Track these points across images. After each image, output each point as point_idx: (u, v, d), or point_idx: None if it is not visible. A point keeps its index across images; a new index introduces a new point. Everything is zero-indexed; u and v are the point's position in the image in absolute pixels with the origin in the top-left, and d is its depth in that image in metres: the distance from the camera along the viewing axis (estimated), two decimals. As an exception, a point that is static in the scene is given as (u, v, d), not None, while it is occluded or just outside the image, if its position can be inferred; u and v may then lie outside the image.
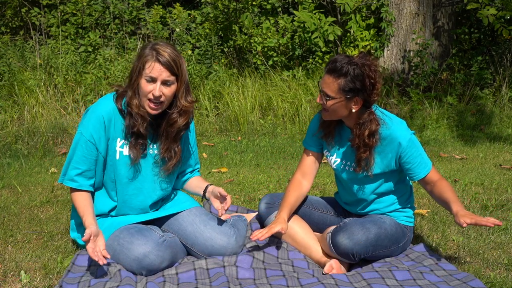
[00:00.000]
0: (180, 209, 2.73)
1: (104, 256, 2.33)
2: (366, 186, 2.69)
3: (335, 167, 2.75)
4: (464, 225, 2.39)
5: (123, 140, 2.57)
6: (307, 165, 2.81)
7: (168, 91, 2.49)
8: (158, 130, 2.61)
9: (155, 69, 2.44)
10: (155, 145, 2.64)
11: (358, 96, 2.51)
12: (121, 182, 2.61)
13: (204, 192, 2.77)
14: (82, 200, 2.54)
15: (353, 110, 2.55)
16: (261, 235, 2.56)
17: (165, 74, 2.45)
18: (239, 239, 2.66)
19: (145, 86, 2.46)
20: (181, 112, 2.57)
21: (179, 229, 2.68)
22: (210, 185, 2.78)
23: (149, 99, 2.47)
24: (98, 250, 2.35)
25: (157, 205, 2.75)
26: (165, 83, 2.47)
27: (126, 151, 2.58)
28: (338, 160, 2.73)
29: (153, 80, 2.45)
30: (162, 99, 2.48)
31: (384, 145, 2.59)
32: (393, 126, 2.59)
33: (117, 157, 2.58)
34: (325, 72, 2.55)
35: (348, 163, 2.70)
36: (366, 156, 2.58)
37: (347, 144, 2.68)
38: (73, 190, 2.57)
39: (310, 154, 2.81)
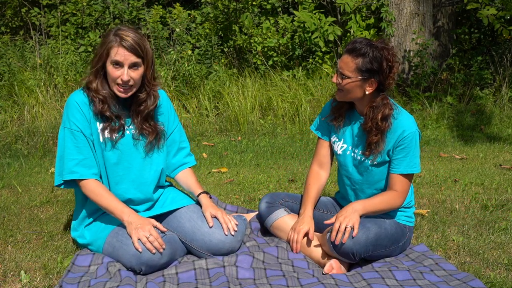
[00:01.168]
0: (178, 206, 2.75)
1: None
2: (367, 176, 2.70)
3: (341, 153, 2.76)
4: (329, 221, 2.58)
5: (102, 124, 2.62)
6: (323, 155, 2.85)
7: (136, 74, 2.55)
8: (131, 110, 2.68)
9: (119, 54, 2.50)
10: (132, 124, 2.68)
11: (374, 78, 2.55)
12: (110, 163, 2.64)
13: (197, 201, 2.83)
14: (103, 192, 2.56)
15: (367, 92, 2.57)
16: (296, 244, 2.65)
17: (131, 58, 2.51)
18: (237, 234, 2.66)
19: (113, 71, 2.52)
20: (149, 93, 2.65)
21: (177, 226, 2.69)
22: (202, 193, 2.80)
23: (118, 84, 2.54)
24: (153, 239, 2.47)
25: (154, 191, 2.77)
26: (132, 66, 2.53)
27: (106, 133, 2.63)
28: (345, 146, 2.74)
29: (119, 64, 2.51)
30: (130, 83, 2.55)
31: (388, 133, 2.61)
32: (401, 116, 2.62)
33: (101, 140, 2.62)
34: (344, 52, 2.59)
35: (355, 150, 2.71)
36: (377, 140, 2.59)
37: (355, 131, 2.70)
38: (80, 182, 2.58)
39: (324, 144, 2.84)
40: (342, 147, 2.75)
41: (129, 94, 2.59)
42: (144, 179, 2.71)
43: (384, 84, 2.57)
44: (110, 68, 2.53)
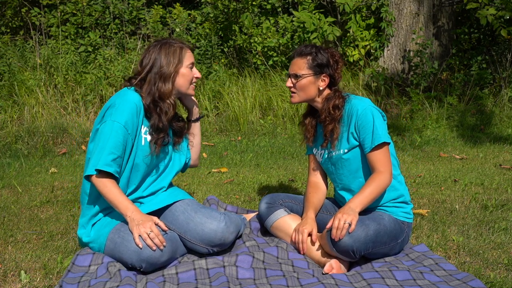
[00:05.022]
0: (174, 199, 2.79)
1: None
2: (347, 166, 2.75)
3: (321, 159, 2.87)
4: (329, 224, 2.54)
5: (146, 127, 2.69)
6: (317, 167, 2.96)
7: None
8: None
9: (191, 56, 2.78)
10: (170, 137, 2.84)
11: (325, 72, 2.73)
12: (134, 170, 2.70)
13: (188, 119, 3.00)
14: (113, 187, 2.58)
15: (321, 88, 2.74)
16: (302, 245, 2.66)
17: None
18: (230, 224, 2.69)
19: (190, 73, 2.77)
20: None
21: (172, 219, 2.73)
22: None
23: (193, 83, 2.81)
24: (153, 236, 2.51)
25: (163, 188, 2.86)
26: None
27: (149, 137, 2.71)
28: (321, 151, 2.86)
29: (193, 65, 2.79)
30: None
31: (347, 119, 2.72)
32: (354, 100, 2.73)
33: (143, 143, 2.68)
34: (292, 58, 2.80)
35: (324, 150, 2.84)
36: (332, 128, 2.72)
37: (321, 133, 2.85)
38: (99, 178, 2.55)
39: (313, 158, 2.97)
40: (320, 153, 2.88)
41: None
42: (153, 188, 2.79)
43: (335, 77, 2.75)
44: (186, 71, 2.75)
